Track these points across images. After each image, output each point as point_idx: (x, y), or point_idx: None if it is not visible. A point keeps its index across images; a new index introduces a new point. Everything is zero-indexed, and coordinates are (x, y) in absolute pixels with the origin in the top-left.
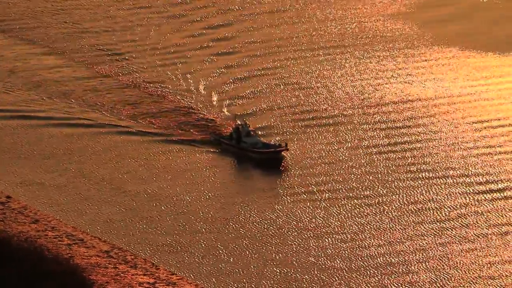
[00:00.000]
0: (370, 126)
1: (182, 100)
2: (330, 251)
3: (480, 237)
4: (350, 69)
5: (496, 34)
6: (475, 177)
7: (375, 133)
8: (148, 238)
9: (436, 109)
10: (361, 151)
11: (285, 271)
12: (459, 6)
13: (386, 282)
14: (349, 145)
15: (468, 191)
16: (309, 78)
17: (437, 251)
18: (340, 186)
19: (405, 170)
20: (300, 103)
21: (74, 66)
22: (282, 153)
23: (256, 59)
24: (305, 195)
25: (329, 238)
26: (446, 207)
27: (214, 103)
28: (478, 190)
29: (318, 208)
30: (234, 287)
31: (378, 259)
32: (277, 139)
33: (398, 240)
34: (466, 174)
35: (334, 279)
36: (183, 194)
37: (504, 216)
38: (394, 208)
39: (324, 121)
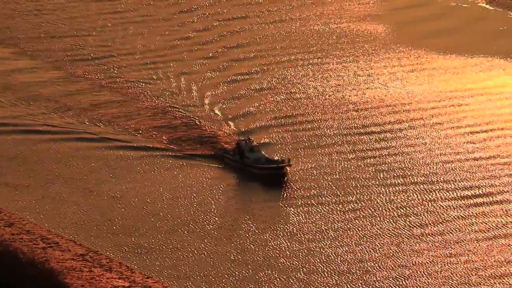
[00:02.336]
0: (348, 131)
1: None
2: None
3: (462, 242)
4: (328, 73)
5: (461, 37)
6: (456, 182)
7: (354, 138)
8: (125, 242)
9: (417, 113)
10: (341, 157)
11: (266, 274)
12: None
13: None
14: (328, 150)
15: (448, 197)
16: (285, 83)
17: (414, 255)
18: (324, 192)
19: (389, 176)
20: (279, 109)
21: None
22: (285, 168)
23: (234, 64)
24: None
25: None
26: (428, 212)
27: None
28: (458, 196)
29: (302, 214)
30: None
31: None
32: (280, 154)
33: (382, 247)
34: (448, 179)
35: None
36: (171, 202)
37: (485, 222)
38: (378, 214)
39: (303, 125)
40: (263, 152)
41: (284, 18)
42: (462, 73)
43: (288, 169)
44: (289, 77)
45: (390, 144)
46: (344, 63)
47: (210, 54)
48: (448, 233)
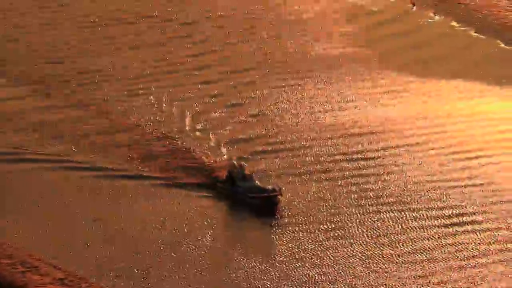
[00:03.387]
0: (328, 157)
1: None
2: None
3: (444, 270)
4: (302, 95)
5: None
6: (438, 210)
7: (332, 165)
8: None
9: (392, 136)
10: (325, 184)
11: None
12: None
13: None
14: (306, 177)
15: (431, 224)
16: (256, 103)
17: (383, 276)
18: (303, 219)
19: (369, 203)
20: (250, 131)
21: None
22: (277, 197)
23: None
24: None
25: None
26: (410, 240)
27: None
28: (441, 223)
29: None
30: None
31: None
32: (273, 183)
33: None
34: (429, 206)
35: None
36: (156, 228)
37: (466, 249)
38: (353, 237)
39: (279, 151)
40: (256, 181)
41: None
42: (438, 96)
43: (280, 198)
44: (260, 98)
45: (366, 169)
46: (319, 86)
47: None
48: (420, 254)
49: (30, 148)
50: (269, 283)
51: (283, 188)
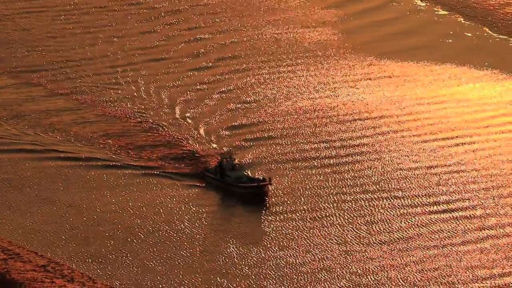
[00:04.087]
0: (311, 140)
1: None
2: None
3: (429, 257)
4: (280, 81)
5: (416, 43)
6: (421, 197)
7: (319, 148)
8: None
9: (369, 122)
10: (309, 171)
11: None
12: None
13: None
14: (294, 164)
15: (414, 211)
16: (242, 92)
17: (364, 262)
18: (292, 208)
19: (354, 191)
20: (238, 117)
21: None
22: (266, 187)
23: (190, 73)
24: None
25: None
26: (389, 226)
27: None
28: (424, 211)
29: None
30: None
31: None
32: (262, 173)
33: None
34: (415, 194)
35: None
36: (143, 217)
37: (446, 236)
38: (342, 227)
39: (261, 138)
40: (246, 171)
41: (235, 27)
42: (416, 80)
43: (269, 187)
44: (240, 85)
45: (348, 156)
46: (295, 72)
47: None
48: (404, 241)
49: (10, 137)
50: (251, 268)
51: (272, 178)
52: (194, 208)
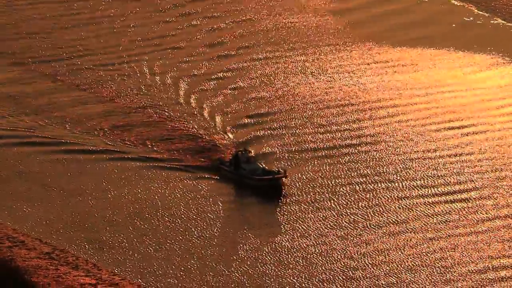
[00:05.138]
0: (312, 129)
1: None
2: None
3: (426, 240)
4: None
5: (418, 30)
6: (419, 180)
7: (319, 136)
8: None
9: (368, 107)
10: (308, 155)
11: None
12: None
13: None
14: (294, 148)
15: (413, 196)
16: (244, 79)
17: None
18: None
19: (356, 175)
20: (237, 105)
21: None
22: (282, 180)
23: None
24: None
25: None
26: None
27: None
28: (423, 194)
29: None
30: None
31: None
32: (278, 165)
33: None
34: (414, 177)
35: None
36: (154, 208)
37: (449, 220)
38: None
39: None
40: (261, 163)
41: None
42: (416, 66)
43: (284, 180)
44: (244, 71)
45: (354, 146)
46: (302, 58)
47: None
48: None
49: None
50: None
51: (288, 171)
52: (204, 199)
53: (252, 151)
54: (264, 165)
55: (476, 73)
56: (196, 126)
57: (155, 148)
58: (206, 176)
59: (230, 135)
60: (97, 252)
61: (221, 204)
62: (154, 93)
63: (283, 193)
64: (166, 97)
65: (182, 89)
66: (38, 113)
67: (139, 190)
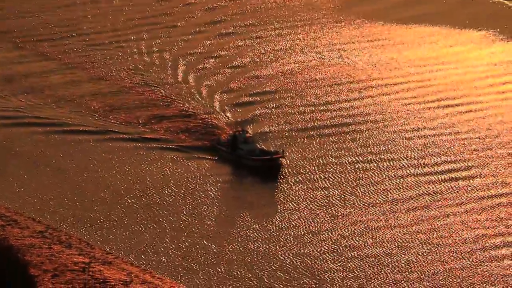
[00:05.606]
0: (302, 108)
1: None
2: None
3: (417, 218)
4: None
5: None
6: (409, 159)
7: (308, 115)
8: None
9: (374, 86)
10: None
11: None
12: None
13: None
14: (291, 126)
15: (403, 174)
16: (233, 56)
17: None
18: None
19: (351, 153)
20: (232, 82)
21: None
22: (279, 160)
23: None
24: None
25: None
26: (389, 190)
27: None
28: (413, 173)
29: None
30: (169, 265)
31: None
32: (274, 145)
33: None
34: (404, 156)
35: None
36: (151, 188)
37: (439, 199)
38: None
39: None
40: (259, 144)
41: None
42: (407, 44)
43: (282, 160)
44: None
45: (349, 124)
46: (281, 35)
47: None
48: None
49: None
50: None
51: (286, 151)
52: (199, 180)
53: (250, 131)
54: (261, 146)
55: (469, 51)
56: (185, 103)
57: (150, 128)
58: (203, 156)
59: (228, 115)
60: (89, 230)
61: (216, 184)
62: (150, 72)
63: (280, 173)
64: (162, 77)
65: (176, 68)
66: (29, 93)
67: (133, 170)
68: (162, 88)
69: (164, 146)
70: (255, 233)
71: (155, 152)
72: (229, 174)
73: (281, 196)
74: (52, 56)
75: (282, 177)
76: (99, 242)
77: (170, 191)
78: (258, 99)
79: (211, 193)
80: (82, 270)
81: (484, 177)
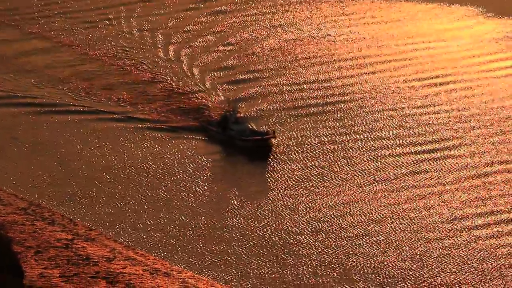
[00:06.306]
0: (281, 86)
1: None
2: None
3: (394, 193)
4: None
5: None
6: (387, 132)
7: (287, 94)
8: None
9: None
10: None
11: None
12: None
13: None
14: (278, 106)
15: (380, 147)
16: (234, 34)
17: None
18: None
19: (339, 132)
20: (229, 61)
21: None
22: (270, 140)
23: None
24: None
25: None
26: (378, 168)
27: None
28: (390, 146)
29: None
30: (153, 242)
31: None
32: (265, 126)
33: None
34: (392, 135)
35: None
36: (133, 168)
37: (428, 178)
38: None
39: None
40: (249, 124)
41: None
42: (386, 18)
43: (273, 140)
44: (236, 27)
45: (335, 103)
46: (260, 9)
47: None
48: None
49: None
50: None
51: (276, 131)
52: (187, 159)
53: (241, 111)
54: (252, 126)
55: (454, 28)
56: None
57: (138, 108)
58: (192, 136)
59: (220, 95)
60: (73, 207)
61: (202, 163)
62: (141, 50)
63: (271, 153)
64: (152, 55)
65: (159, 44)
66: (19, 73)
67: (119, 149)
68: (153, 66)
69: (152, 126)
70: (236, 210)
71: (143, 132)
72: (217, 153)
73: (257, 170)
74: (40, 35)
75: (267, 157)
76: (83, 218)
77: (158, 170)
78: (240, 78)
79: (196, 172)
80: (65, 246)
81: (460, 149)
